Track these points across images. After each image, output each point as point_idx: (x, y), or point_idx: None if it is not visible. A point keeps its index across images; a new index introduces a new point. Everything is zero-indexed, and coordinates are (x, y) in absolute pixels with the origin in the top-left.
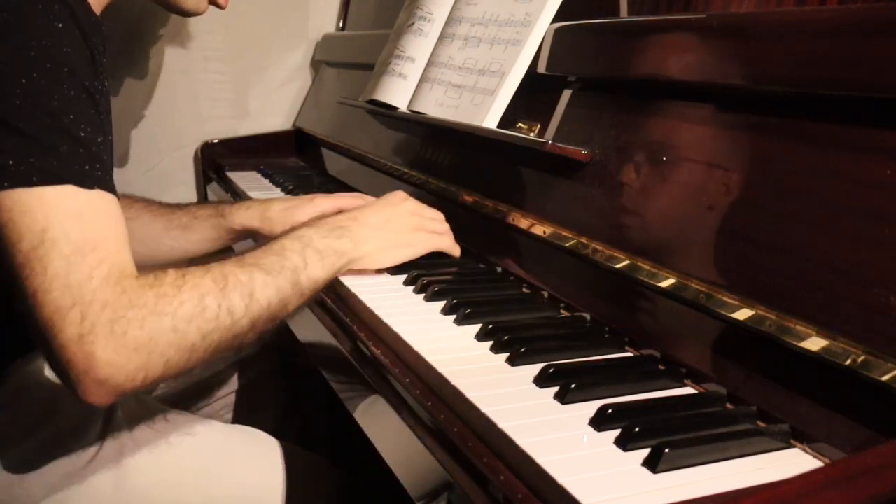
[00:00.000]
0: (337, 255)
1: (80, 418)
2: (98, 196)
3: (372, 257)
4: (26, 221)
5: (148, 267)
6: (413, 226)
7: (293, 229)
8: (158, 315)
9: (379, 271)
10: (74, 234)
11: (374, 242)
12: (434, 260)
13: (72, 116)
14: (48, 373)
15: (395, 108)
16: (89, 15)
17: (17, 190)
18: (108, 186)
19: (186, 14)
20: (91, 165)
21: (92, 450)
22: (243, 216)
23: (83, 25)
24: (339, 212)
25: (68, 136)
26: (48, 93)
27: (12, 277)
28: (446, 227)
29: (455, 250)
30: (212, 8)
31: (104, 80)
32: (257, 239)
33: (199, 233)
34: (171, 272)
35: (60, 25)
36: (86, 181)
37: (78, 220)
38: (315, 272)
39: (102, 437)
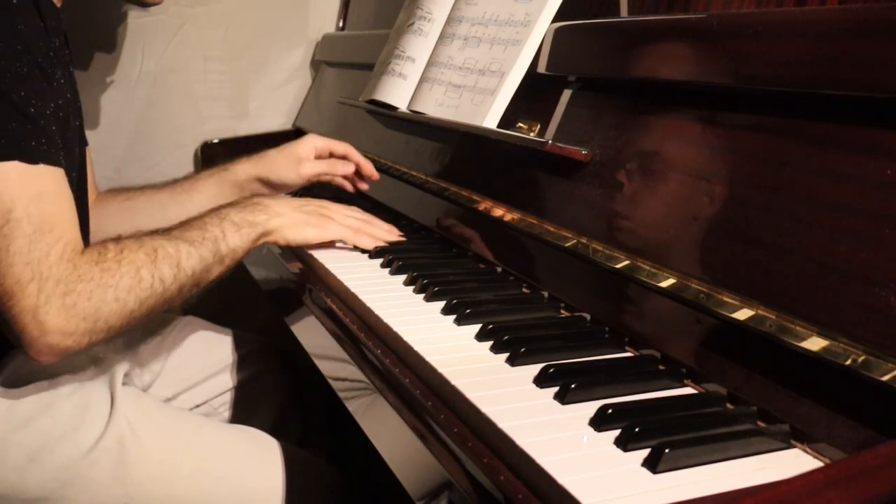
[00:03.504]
0: (251, 226)
1: (78, 410)
2: (47, 172)
3: (282, 231)
4: None
5: None
6: (324, 213)
7: (215, 209)
8: (103, 288)
9: (379, 271)
10: (35, 215)
11: (287, 218)
12: (434, 260)
13: (22, 93)
14: (45, 364)
15: (395, 108)
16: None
17: None
18: (54, 160)
19: (143, 4)
20: (37, 141)
21: (91, 441)
22: (246, 166)
23: (39, 2)
24: (330, 154)
25: (17, 113)
26: (1, 71)
27: None
28: (363, 225)
29: (364, 244)
30: (212, 7)
31: (61, 57)
32: (263, 189)
33: (204, 191)
34: (111, 246)
35: (15, 2)
36: (32, 157)
37: (38, 201)
38: (233, 241)
39: (103, 428)
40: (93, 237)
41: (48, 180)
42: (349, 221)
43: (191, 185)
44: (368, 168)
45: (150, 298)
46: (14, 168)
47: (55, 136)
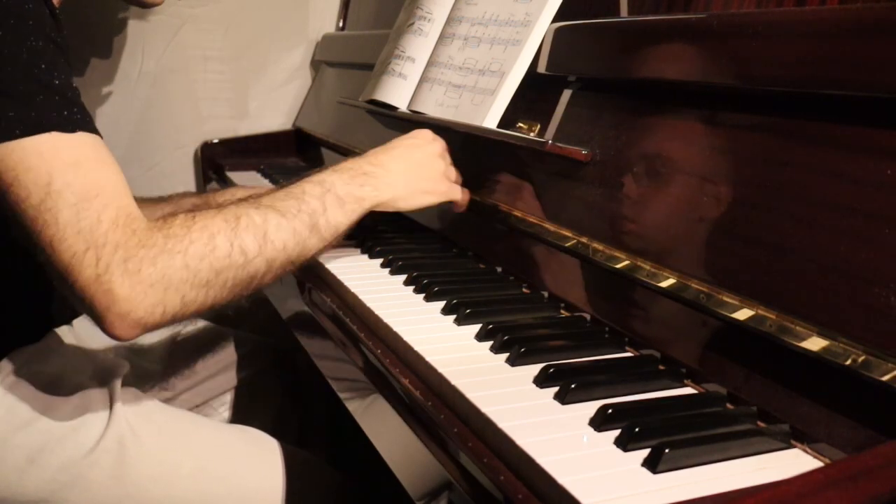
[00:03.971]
0: (358, 202)
1: (78, 411)
2: (85, 139)
3: (396, 202)
4: (31, 177)
5: None
6: (440, 172)
7: (315, 173)
8: (169, 253)
9: (379, 271)
10: (76, 184)
11: (398, 189)
12: (434, 260)
13: (43, 66)
14: (45, 364)
15: (395, 108)
16: None
17: (2, 145)
18: (91, 128)
19: (143, 4)
20: (69, 111)
21: (91, 442)
22: (227, 199)
23: None
24: None
25: (41, 86)
26: (16, 46)
27: (28, 231)
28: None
29: (464, 203)
30: (212, 7)
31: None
32: None
33: None
34: (181, 216)
35: None
36: (67, 126)
37: (76, 169)
38: (335, 217)
39: (102, 429)
40: None
41: (87, 148)
42: (453, 173)
43: (171, 210)
44: None
45: (228, 269)
46: (46, 140)
47: (85, 108)
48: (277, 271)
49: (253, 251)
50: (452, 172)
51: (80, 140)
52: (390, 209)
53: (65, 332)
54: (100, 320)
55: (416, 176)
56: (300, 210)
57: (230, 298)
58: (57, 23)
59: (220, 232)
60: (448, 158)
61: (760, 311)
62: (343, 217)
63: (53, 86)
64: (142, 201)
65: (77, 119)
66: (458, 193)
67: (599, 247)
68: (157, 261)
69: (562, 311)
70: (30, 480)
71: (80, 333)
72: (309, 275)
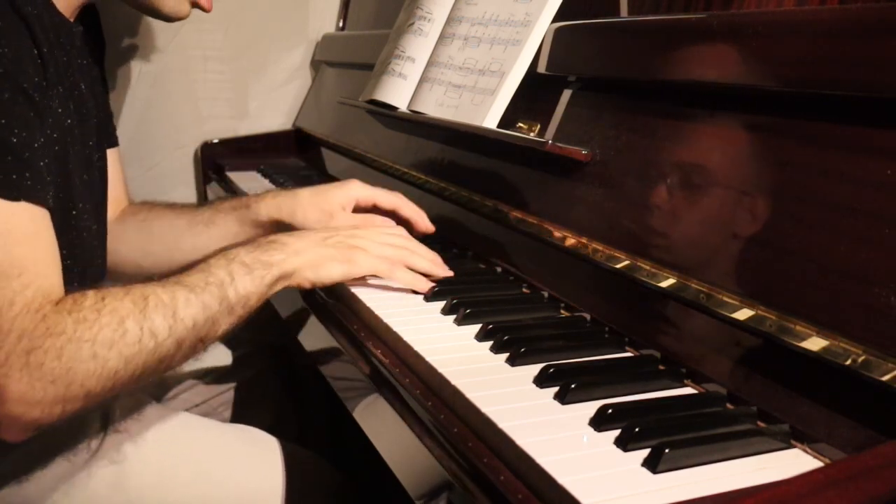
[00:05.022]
0: (265, 267)
1: (77, 418)
2: (24, 210)
3: (303, 272)
4: None
5: (164, 270)
6: (352, 244)
7: (222, 249)
8: (77, 343)
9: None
10: (0, 256)
11: (307, 256)
12: None
13: (3, 121)
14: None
15: (395, 108)
16: (51, 13)
17: None
18: (39, 197)
19: (167, 18)
20: (20, 175)
21: (89, 449)
22: (269, 206)
23: (31, 22)
24: (374, 206)
25: None
26: None
27: None
28: (405, 254)
29: (402, 281)
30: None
31: (63, 80)
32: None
33: (222, 227)
34: (91, 294)
35: None
36: (11, 192)
37: (5, 241)
38: (244, 286)
39: (100, 436)
40: (107, 257)
41: (24, 220)
42: (385, 251)
43: (210, 216)
44: (423, 224)
45: (138, 356)
46: None
47: (43, 172)
48: (186, 352)
49: (163, 332)
50: (383, 250)
51: (18, 210)
52: (304, 283)
53: None
54: None
55: (323, 244)
56: (208, 283)
57: (134, 386)
58: (44, 64)
59: (129, 315)
60: (380, 237)
61: (760, 311)
62: (252, 285)
63: (9, 144)
64: (184, 206)
65: (26, 185)
66: (380, 266)
67: (599, 247)
68: (63, 352)
69: (562, 311)
70: (28, 491)
71: None
72: None
